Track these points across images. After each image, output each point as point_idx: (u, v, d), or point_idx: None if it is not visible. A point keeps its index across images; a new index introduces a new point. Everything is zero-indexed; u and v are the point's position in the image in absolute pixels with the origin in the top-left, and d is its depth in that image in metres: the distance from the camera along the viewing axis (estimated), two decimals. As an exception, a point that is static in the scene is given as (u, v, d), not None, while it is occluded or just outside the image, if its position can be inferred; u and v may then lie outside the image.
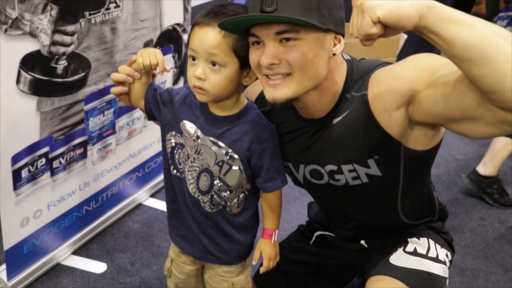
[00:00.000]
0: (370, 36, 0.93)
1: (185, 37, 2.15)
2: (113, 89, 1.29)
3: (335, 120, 1.21)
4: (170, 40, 2.09)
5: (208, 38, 1.13)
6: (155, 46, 1.99)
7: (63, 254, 1.94)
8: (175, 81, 2.24)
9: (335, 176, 1.26)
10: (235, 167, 1.28)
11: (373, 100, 1.15)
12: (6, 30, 1.37)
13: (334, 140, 1.22)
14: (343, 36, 1.13)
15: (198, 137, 1.27)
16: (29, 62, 1.48)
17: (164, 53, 2.06)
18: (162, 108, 1.32)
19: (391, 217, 1.35)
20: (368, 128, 1.16)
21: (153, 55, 1.24)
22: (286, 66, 1.08)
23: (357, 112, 1.17)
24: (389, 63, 1.21)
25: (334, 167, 1.25)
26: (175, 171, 1.34)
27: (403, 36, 3.60)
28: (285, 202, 2.41)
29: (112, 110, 1.91)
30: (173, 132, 1.31)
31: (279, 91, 1.10)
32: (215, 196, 1.31)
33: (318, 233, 1.56)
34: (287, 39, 1.06)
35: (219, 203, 1.32)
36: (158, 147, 2.30)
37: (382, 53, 3.47)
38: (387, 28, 0.93)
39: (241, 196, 1.33)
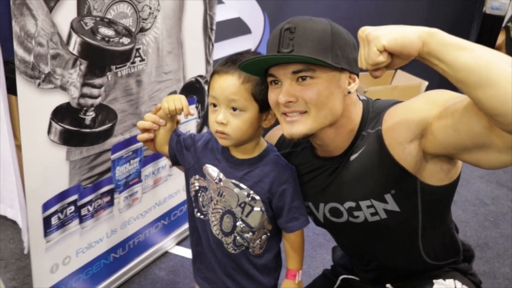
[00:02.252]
0: (378, 65, 0.97)
1: (207, 88, 2.25)
2: (139, 136, 1.36)
3: (352, 157, 1.24)
4: (193, 91, 2.18)
5: (228, 85, 1.20)
6: (179, 97, 2.08)
7: (91, 301, 1.96)
8: (199, 131, 2.31)
9: (354, 213, 1.28)
10: (256, 208, 1.31)
11: (387, 133, 1.18)
12: (39, 84, 1.47)
13: (352, 176, 1.25)
14: (357, 75, 1.18)
15: (220, 180, 1.32)
16: (60, 113, 1.57)
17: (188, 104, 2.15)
18: (186, 153, 1.37)
19: (413, 257, 1.34)
20: (383, 162, 1.18)
21: (177, 100, 1.30)
22: (303, 104, 1.13)
23: (372, 147, 1.20)
24: (403, 101, 1.25)
25: (353, 204, 1.26)
26: (199, 213, 1.37)
27: (424, 83, 3.64)
28: (310, 248, 2.41)
29: (138, 159, 1.98)
30: (197, 176, 1.36)
31: (296, 127, 1.15)
32: (238, 238, 1.33)
33: (343, 277, 1.55)
34: (303, 78, 1.12)
35: (242, 244, 1.34)
36: (183, 196, 2.35)
37: (405, 99, 3.50)
38: (394, 57, 0.97)
39: (263, 237, 1.35)
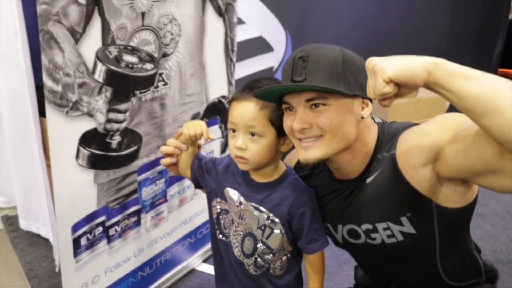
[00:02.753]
0: (385, 95, 0.99)
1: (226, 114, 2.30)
2: (162, 161, 1.42)
3: (368, 180, 1.26)
4: (216, 111, 2.24)
5: (246, 111, 1.25)
6: (202, 118, 2.14)
7: (120, 319, 2.02)
8: (223, 150, 2.36)
9: (371, 235, 1.30)
10: (276, 231, 1.34)
11: (400, 157, 1.20)
12: (67, 112, 1.55)
13: (368, 199, 1.27)
14: (370, 100, 1.21)
15: (241, 203, 1.36)
16: (87, 139, 1.64)
17: (211, 124, 2.21)
18: (207, 176, 1.42)
19: (432, 278, 1.35)
20: (397, 185, 1.20)
21: (197, 125, 1.36)
22: (317, 130, 1.17)
23: (387, 170, 1.22)
24: (418, 124, 1.27)
25: (370, 226, 1.29)
26: (221, 235, 1.42)
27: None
28: (336, 265, 2.43)
29: (163, 179, 2.04)
30: (218, 199, 1.40)
31: (310, 153, 1.19)
32: (258, 259, 1.37)
33: None
34: (317, 105, 1.16)
35: (263, 266, 1.38)
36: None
37: (429, 115, 3.49)
38: (400, 87, 0.99)
39: (283, 258, 1.38)
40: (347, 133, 1.19)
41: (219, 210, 1.40)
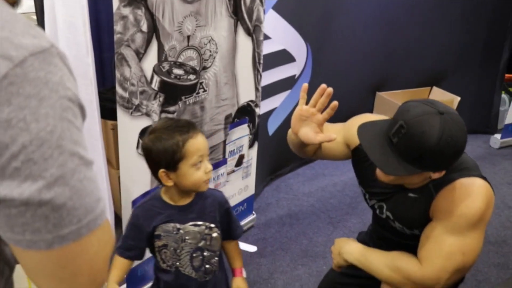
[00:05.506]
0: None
1: (257, 110, 2.75)
2: None
3: (410, 194, 1.52)
4: (245, 113, 2.67)
5: (205, 141, 1.52)
6: (233, 119, 2.59)
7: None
8: (251, 145, 2.81)
9: (390, 222, 1.64)
10: (214, 234, 1.59)
11: (434, 205, 1.47)
12: (131, 113, 2.02)
13: (401, 204, 1.56)
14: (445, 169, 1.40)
15: (178, 229, 1.55)
16: (145, 133, 2.11)
17: (241, 123, 2.65)
18: (143, 244, 1.60)
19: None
20: (422, 215, 1.50)
21: None
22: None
23: (422, 200, 1.49)
24: (472, 176, 1.43)
25: (391, 216, 1.62)
26: (164, 265, 1.60)
27: (457, 99, 3.95)
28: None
29: (202, 167, 2.50)
30: (157, 241, 1.58)
31: (384, 177, 1.46)
32: (207, 266, 1.60)
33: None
34: None
35: (212, 270, 1.62)
36: (238, 198, 2.85)
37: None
38: None
39: (218, 256, 1.65)
40: (412, 182, 1.47)
41: (158, 248, 1.59)
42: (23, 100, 0.58)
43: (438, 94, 4.09)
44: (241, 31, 2.42)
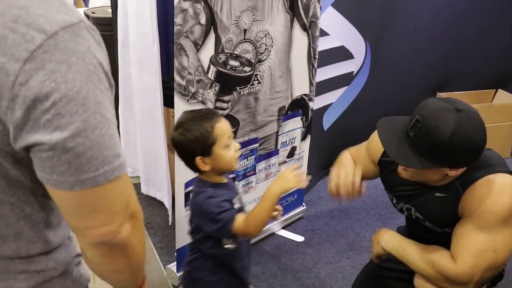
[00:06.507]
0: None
1: (311, 104, 2.82)
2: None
3: (437, 194, 1.56)
4: (299, 106, 2.75)
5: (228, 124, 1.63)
6: (286, 112, 2.67)
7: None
8: (303, 138, 2.89)
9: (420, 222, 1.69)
10: None
11: (463, 203, 1.49)
12: (188, 100, 2.15)
13: (429, 205, 1.59)
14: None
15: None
16: (200, 120, 2.24)
17: (294, 116, 2.73)
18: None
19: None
20: (451, 213, 1.53)
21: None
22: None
23: (450, 198, 1.52)
24: (498, 172, 1.45)
25: (421, 217, 1.67)
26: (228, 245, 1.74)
27: (520, 102, 3.81)
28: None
29: (253, 156, 2.60)
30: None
31: (404, 173, 1.54)
32: None
33: None
34: None
35: None
36: (288, 189, 2.93)
37: (500, 119, 3.74)
38: None
39: None
40: (429, 179, 1.50)
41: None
42: (54, 65, 0.70)
43: (504, 98, 3.96)
44: (297, 26, 2.50)
